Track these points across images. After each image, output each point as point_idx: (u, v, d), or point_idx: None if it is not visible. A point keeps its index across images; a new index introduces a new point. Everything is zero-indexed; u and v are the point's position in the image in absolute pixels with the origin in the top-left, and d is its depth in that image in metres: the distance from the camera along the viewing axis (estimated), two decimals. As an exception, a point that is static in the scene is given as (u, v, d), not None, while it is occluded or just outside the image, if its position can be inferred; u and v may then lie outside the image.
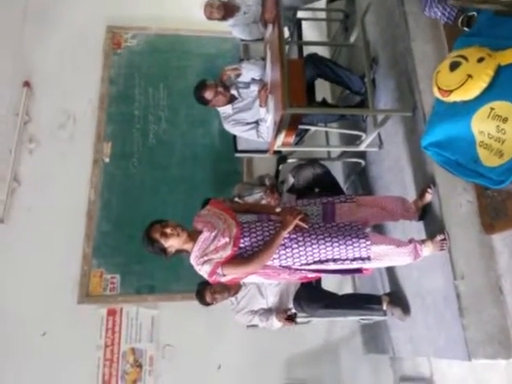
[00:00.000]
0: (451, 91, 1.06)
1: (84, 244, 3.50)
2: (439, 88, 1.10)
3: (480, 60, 1.13)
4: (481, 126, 1.05)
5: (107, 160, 3.78)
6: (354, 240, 2.02)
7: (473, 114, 1.06)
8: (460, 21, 1.71)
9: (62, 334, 3.24)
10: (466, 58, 1.14)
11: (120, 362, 3.29)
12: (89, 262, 3.48)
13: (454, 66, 1.05)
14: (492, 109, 1.03)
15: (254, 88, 3.09)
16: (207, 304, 2.83)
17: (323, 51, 3.56)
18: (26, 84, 3.79)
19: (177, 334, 3.37)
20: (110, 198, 3.69)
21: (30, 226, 3.46)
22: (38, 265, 3.35)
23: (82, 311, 3.34)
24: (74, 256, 3.45)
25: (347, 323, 3.47)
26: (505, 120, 1.00)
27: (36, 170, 3.64)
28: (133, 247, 3.39)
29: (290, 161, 3.28)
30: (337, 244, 2.01)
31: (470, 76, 1.03)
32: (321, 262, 2.02)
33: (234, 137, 3.37)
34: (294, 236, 2.01)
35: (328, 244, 2.01)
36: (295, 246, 2.01)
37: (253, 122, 3.10)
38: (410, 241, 2.22)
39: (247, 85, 3.13)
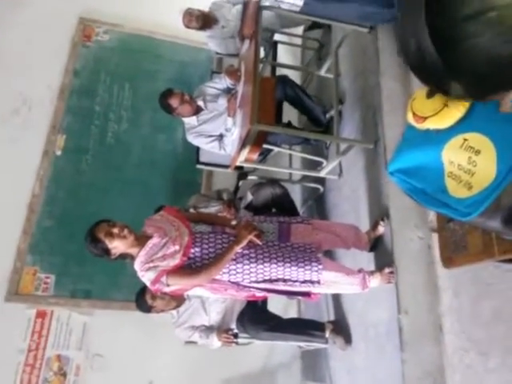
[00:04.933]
0: (426, 118, 1.07)
1: (20, 238, 3.27)
2: (414, 114, 1.11)
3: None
4: (452, 156, 1.06)
5: (59, 153, 3.59)
6: (306, 262, 2.01)
7: (445, 143, 1.08)
8: None
9: (-19, 332, 2.97)
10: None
11: (42, 369, 3.04)
12: (22, 258, 3.24)
13: (430, 94, 1.06)
14: (465, 140, 1.05)
15: (222, 102, 3.07)
16: (147, 307, 2.61)
17: (295, 77, 3.61)
18: (-18, 61, 3.57)
19: (109, 345, 3.17)
20: (56, 193, 3.49)
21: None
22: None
23: (8, 310, 3.09)
24: (8, 250, 3.21)
25: (288, 348, 3.42)
26: (477, 152, 1.02)
27: (-21, 153, 3.39)
28: (73, 248, 3.21)
29: (250, 178, 3.25)
30: (289, 264, 1.99)
31: (446, 105, 1.05)
32: (271, 281, 1.98)
33: (198, 148, 3.31)
34: (247, 252, 1.97)
35: (280, 264, 1.98)
36: (247, 262, 1.96)
37: (216, 135, 3.07)
38: (360, 271, 2.24)
39: (215, 98, 3.10)
